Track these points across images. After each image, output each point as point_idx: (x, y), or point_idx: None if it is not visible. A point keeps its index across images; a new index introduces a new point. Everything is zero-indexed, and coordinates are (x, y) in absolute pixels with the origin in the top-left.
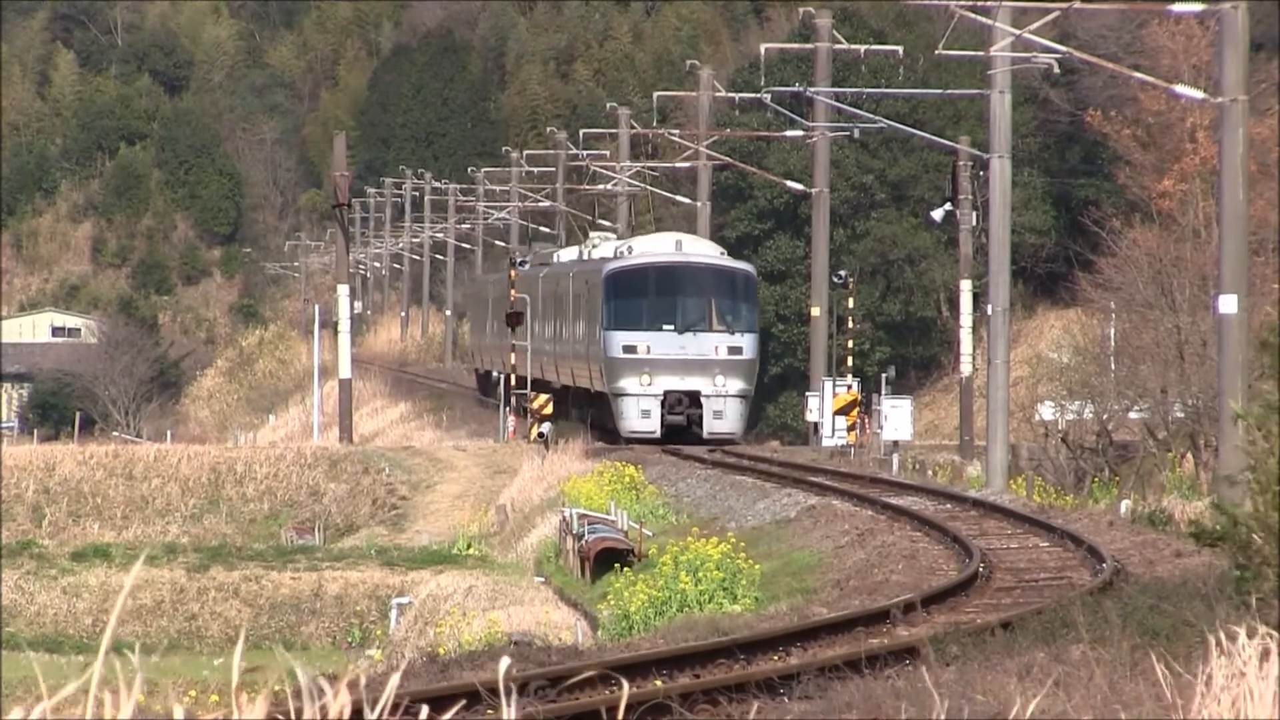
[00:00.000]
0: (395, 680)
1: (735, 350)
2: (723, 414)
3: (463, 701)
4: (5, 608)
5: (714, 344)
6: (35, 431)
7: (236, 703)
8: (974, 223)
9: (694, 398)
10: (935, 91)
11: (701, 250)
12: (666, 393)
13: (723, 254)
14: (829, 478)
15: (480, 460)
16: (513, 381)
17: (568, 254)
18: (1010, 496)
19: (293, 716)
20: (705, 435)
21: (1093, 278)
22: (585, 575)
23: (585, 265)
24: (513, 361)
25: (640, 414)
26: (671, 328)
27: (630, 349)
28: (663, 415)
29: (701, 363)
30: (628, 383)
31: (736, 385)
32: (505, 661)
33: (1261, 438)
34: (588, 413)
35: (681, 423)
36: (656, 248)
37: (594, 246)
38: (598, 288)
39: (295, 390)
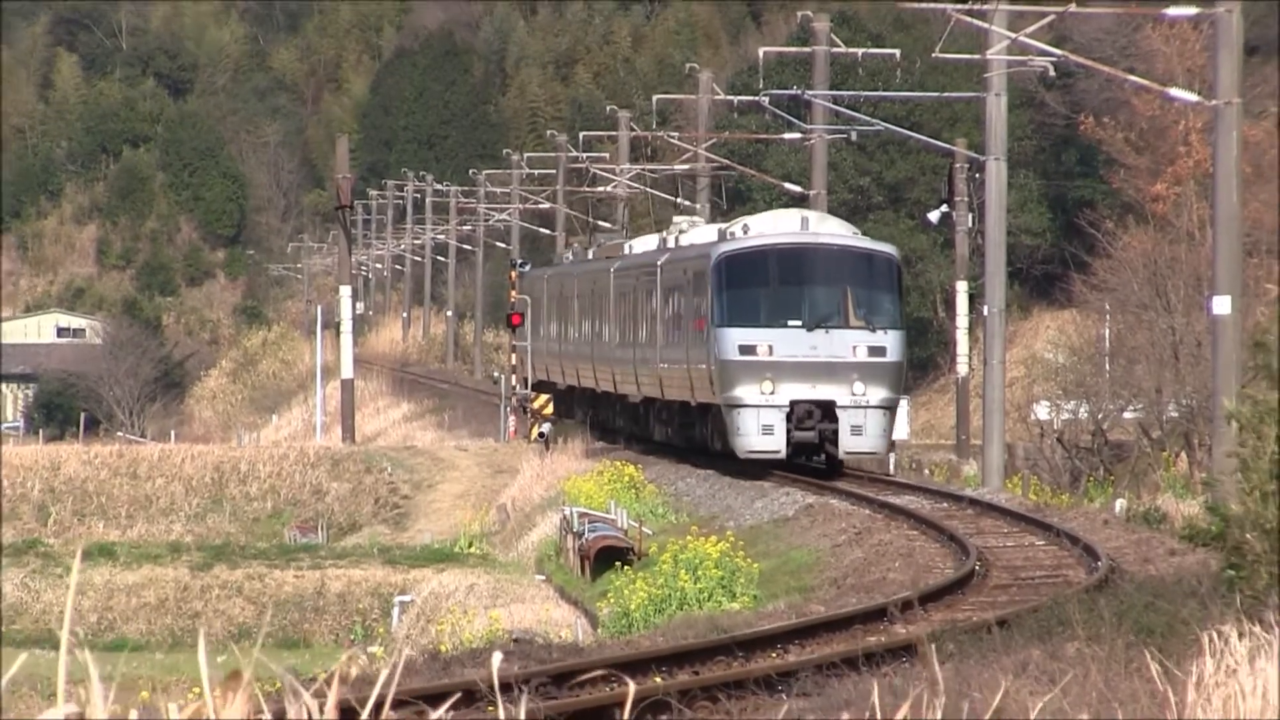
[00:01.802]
0: (384, 675)
1: (878, 351)
2: (863, 429)
3: (456, 696)
4: (12, 606)
5: (851, 343)
6: (40, 431)
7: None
8: (970, 224)
9: (827, 409)
10: (932, 94)
11: (832, 229)
12: (793, 403)
13: (857, 233)
14: (826, 477)
15: (481, 460)
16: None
17: (644, 243)
18: (1006, 495)
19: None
20: (841, 454)
21: (1088, 279)
22: (585, 573)
23: (680, 253)
24: (581, 371)
25: (760, 429)
26: (799, 324)
27: (748, 350)
28: (789, 431)
29: (836, 366)
30: (745, 391)
31: (879, 394)
32: (498, 657)
33: (1254, 438)
34: (682, 430)
35: (812, 439)
36: (777, 227)
37: (681, 232)
38: (704, 277)
39: (298, 390)
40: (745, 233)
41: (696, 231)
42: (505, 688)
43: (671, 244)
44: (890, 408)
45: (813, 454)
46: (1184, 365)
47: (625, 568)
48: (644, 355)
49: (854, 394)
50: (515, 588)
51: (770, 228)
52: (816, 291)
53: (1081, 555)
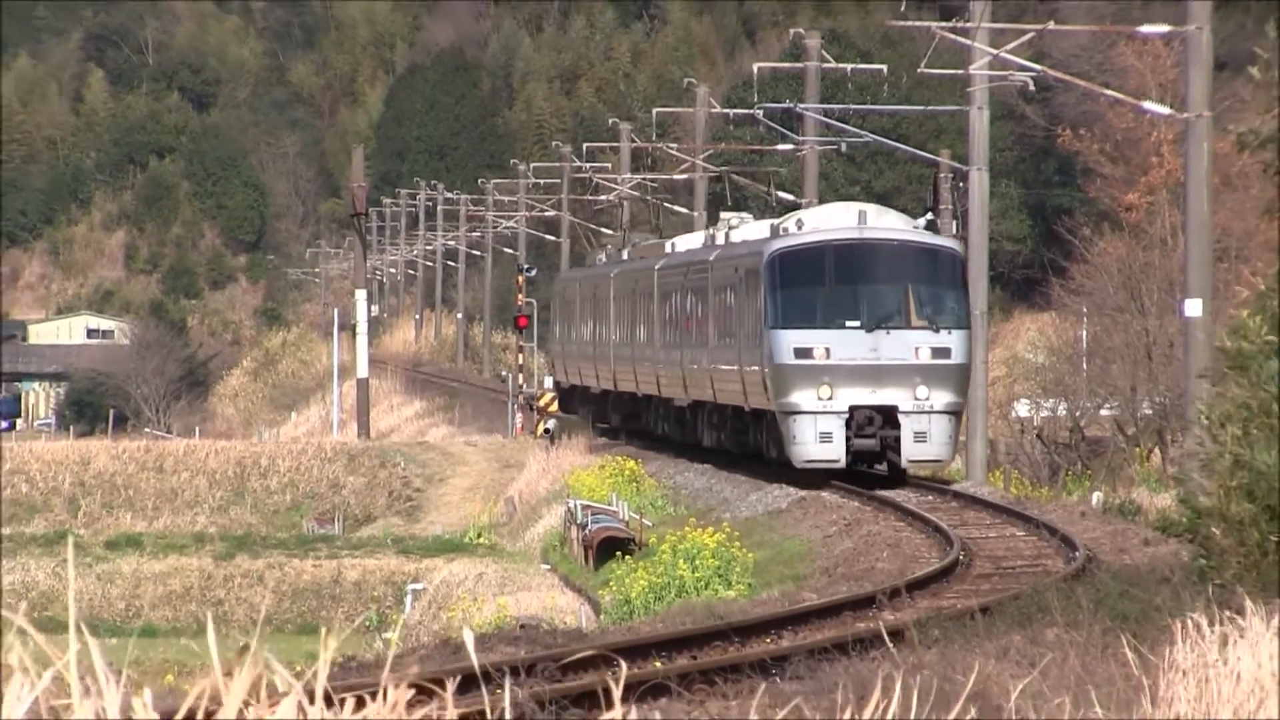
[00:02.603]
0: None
1: (942, 352)
2: (927, 435)
3: (457, 679)
4: (43, 593)
5: (914, 345)
6: (71, 428)
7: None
8: (954, 231)
9: (889, 415)
10: (918, 108)
11: (892, 223)
12: (853, 409)
13: (918, 227)
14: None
15: (490, 455)
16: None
17: (689, 241)
18: (989, 489)
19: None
20: (904, 463)
21: (1066, 283)
22: (589, 563)
23: (732, 250)
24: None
25: (818, 437)
26: (857, 324)
27: (804, 353)
28: (848, 438)
29: (898, 369)
30: (801, 397)
31: (944, 398)
32: (469, 635)
33: (1210, 439)
34: (734, 436)
35: (873, 447)
36: (833, 222)
37: (731, 228)
38: (756, 275)
39: (316, 389)
40: (800, 228)
41: (747, 228)
42: (512, 671)
43: (720, 240)
44: (956, 413)
45: (874, 462)
46: (1157, 365)
47: (626, 557)
48: (693, 357)
49: (917, 398)
50: (522, 576)
51: (825, 223)
52: (876, 290)
53: (1060, 546)
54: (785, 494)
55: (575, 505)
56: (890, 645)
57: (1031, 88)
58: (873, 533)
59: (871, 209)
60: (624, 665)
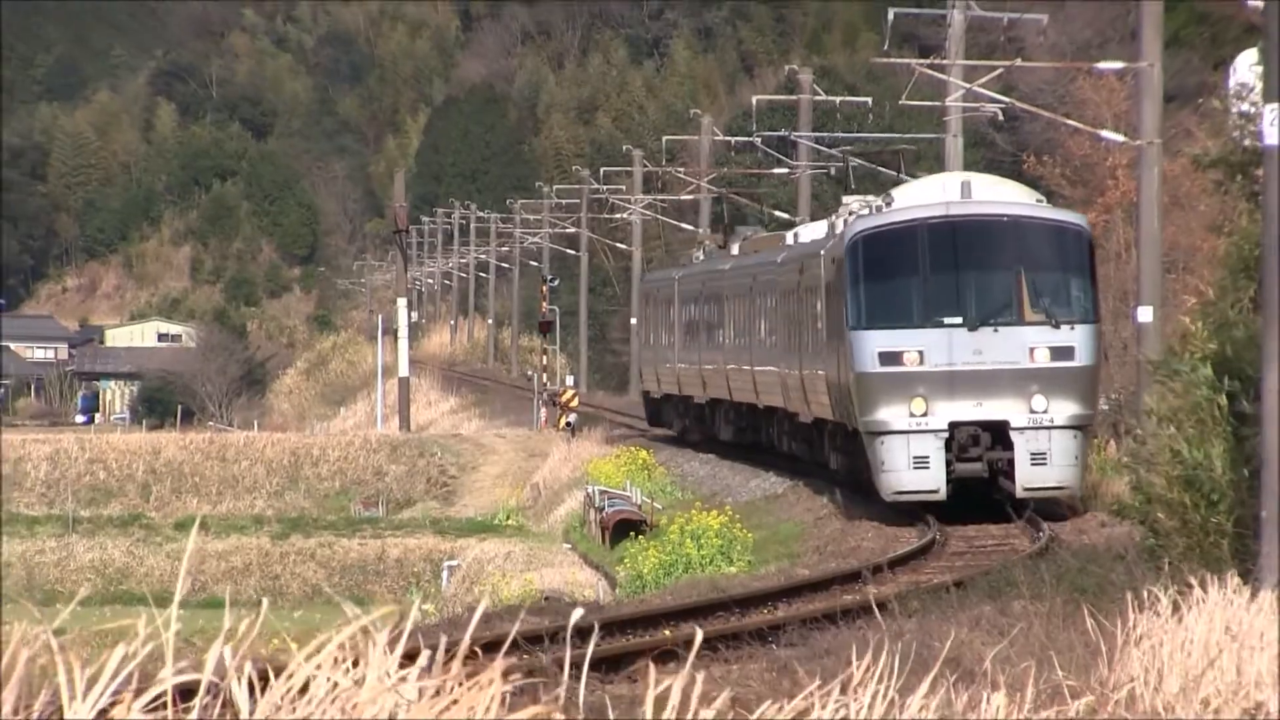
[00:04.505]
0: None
1: (1063, 353)
2: (1046, 457)
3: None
4: (119, 569)
5: (1028, 344)
6: (144, 422)
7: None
8: None
9: (998, 433)
10: (899, 135)
11: (1004, 195)
12: (953, 426)
13: (1040, 200)
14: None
15: (517, 445)
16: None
17: (813, 230)
18: None
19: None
20: (1020, 492)
21: None
22: (605, 542)
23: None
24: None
25: (911, 462)
26: (958, 321)
27: (891, 358)
28: (948, 463)
29: (1009, 375)
30: (889, 413)
31: (1066, 409)
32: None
33: (1150, 437)
34: (827, 454)
35: (979, 473)
36: (932, 195)
37: (851, 214)
38: (840, 264)
39: (362, 387)
40: (890, 205)
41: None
42: (536, 639)
43: (840, 229)
44: (1082, 427)
45: (983, 490)
46: (1113, 365)
47: (639, 537)
48: (809, 363)
49: (1033, 411)
50: (546, 554)
51: (924, 195)
52: (981, 277)
53: (1025, 527)
54: (781, 480)
55: (593, 491)
56: (876, 615)
57: (1001, 118)
58: (858, 515)
59: (979, 178)
60: (698, 630)
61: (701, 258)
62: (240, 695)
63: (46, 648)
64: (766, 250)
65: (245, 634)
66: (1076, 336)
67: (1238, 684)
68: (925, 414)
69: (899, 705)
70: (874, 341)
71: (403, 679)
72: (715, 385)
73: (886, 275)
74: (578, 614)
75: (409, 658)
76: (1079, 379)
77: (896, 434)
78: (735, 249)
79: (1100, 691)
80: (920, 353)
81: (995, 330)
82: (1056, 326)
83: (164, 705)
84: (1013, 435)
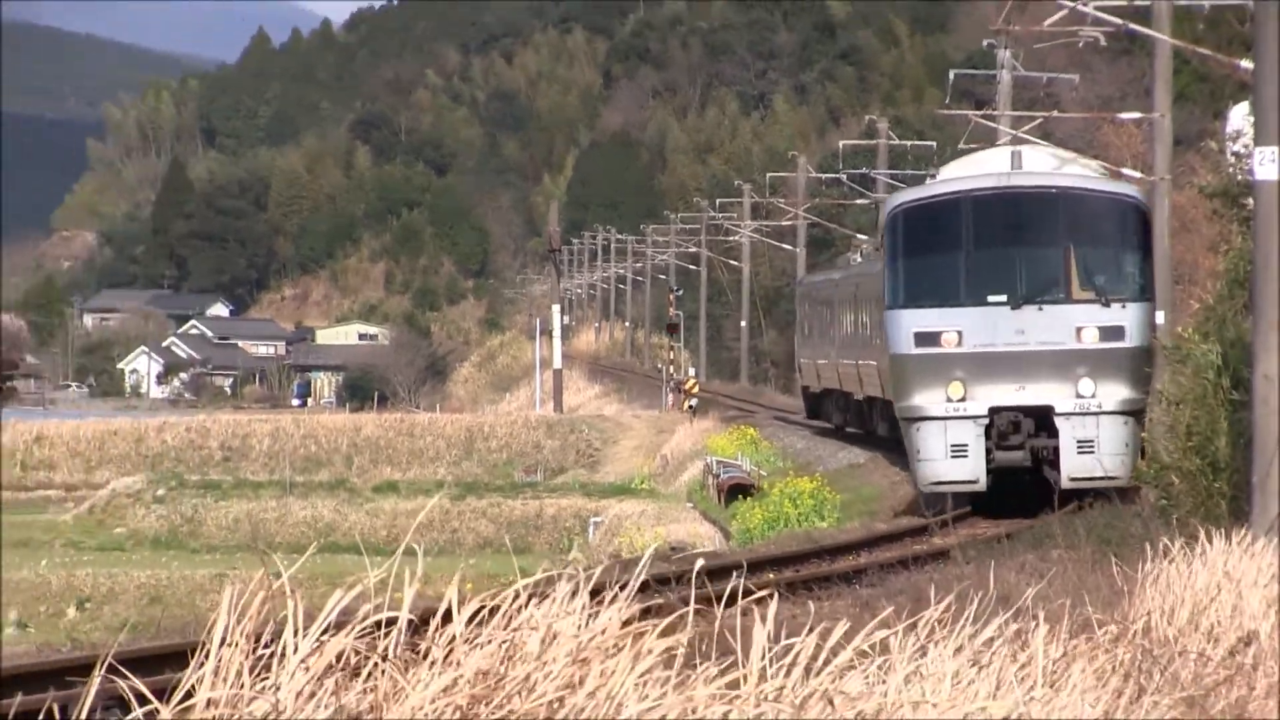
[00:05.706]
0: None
1: (1113, 333)
2: (1094, 444)
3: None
4: (328, 525)
5: (1075, 323)
6: (347, 405)
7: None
8: None
9: (1042, 419)
10: None
11: (1054, 165)
12: (994, 412)
13: (1098, 172)
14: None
15: (649, 424)
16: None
17: None
18: None
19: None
20: (1065, 482)
21: None
22: (721, 502)
23: None
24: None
25: (948, 450)
26: (1002, 299)
27: (928, 339)
28: (988, 450)
29: (1054, 357)
30: (924, 398)
31: (1116, 393)
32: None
33: (1167, 416)
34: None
35: (1020, 461)
36: (980, 167)
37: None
38: (883, 241)
39: (523, 376)
40: (936, 178)
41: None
42: (665, 581)
43: None
44: (1132, 412)
45: (1026, 480)
46: None
47: (748, 499)
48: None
49: (1079, 395)
50: (673, 512)
51: (972, 168)
52: (1025, 253)
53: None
54: (863, 452)
55: (711, 460)
56: (939, 561)
57: None
58: None
59: (1030, 149)
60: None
61: (859, 259)
62: (457, 622)
63: (280, 589)
64: None
65: (428, 580)
66: (1128, 315)
67: (1234, 616)
68: (963, 399)
69: (969, 634)
70: (910, 321)
71: (599, 604)
72: (870, 383)
73: (926, 250)
74: (700, 563)
75: (591, 594)
76: (1130, 361)
77: (933, 420)
78: None
79: (1122, 623)
80: (959, 333)
81: (1040, 309)
82: (1106, 305)
83: (369, 635)
84: (1057, 421)
